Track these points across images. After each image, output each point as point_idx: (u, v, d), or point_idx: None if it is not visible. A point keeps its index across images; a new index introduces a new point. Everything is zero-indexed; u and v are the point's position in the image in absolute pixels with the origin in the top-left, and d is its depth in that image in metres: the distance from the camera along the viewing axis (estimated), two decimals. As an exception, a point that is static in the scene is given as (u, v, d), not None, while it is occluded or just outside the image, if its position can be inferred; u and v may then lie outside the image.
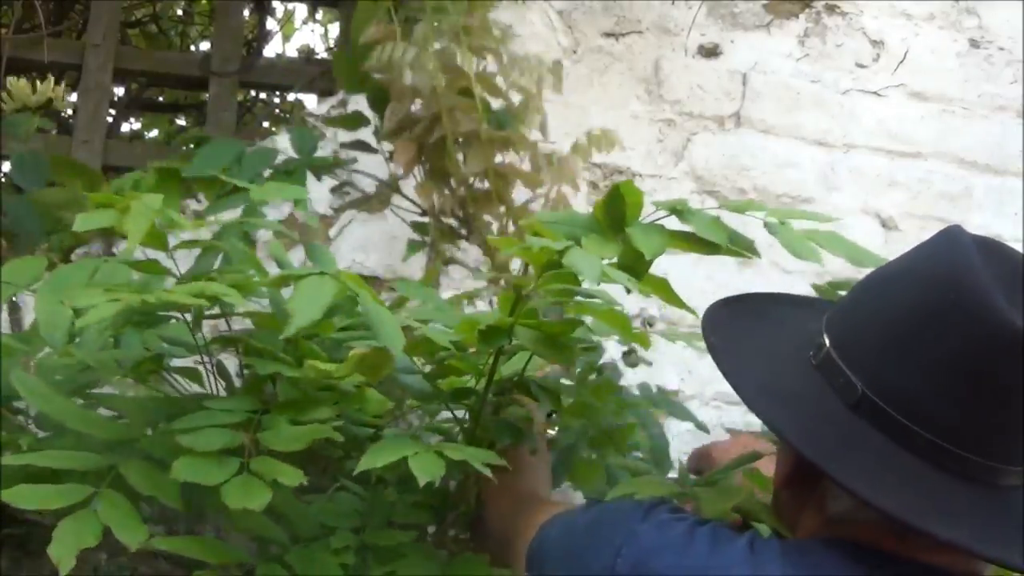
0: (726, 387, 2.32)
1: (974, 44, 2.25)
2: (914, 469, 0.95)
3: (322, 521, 1.28)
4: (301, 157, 1.81)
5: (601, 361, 1.63)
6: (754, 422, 2.01)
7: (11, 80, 1.76)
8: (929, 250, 0.99)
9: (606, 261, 1.16)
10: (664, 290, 1.26)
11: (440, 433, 1.46)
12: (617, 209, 1.22)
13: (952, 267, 0.94)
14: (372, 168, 2.04)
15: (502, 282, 1.68)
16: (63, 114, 2.60)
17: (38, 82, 1.82)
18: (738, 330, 1.11)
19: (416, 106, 1.69)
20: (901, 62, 2.22)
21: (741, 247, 1.25)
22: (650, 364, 1.77)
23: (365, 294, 1.15)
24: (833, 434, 0.98)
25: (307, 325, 1.09)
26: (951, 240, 0.97)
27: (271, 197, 1.45)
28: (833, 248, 1.24)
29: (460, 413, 1.39)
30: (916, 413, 0.95)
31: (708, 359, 2.22)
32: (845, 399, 0.98)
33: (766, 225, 1.25)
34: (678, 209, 1.23)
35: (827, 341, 1.02)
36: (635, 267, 1.20)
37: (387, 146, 1.81)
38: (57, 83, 1.93)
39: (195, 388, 1.36)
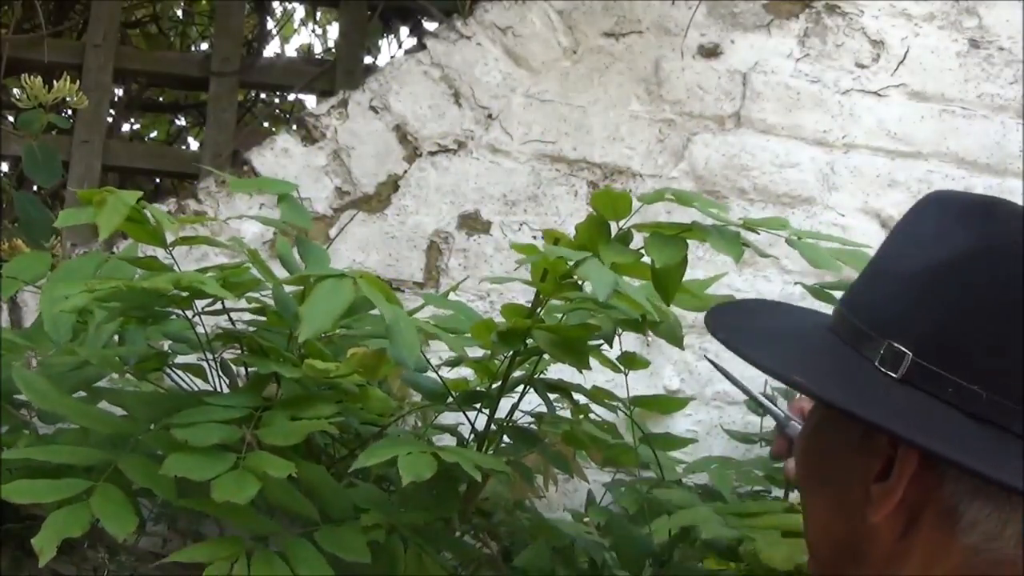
0: (726, 387, 2.31)
1: (974, 44, 2.25)
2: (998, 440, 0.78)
3: (355, 502, 1.25)
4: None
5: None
6: (754, 422, 2.01)
7: (26, 78, 1.76)
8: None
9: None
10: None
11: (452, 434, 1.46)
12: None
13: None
14: (368, 168, 2.04)
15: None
16: (63, 113, 2.59)
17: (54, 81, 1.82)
18: (743, 321, 0.97)
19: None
20: (901, 62, 2.23)
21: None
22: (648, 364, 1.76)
23: (382, 300, 1.13)
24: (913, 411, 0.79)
25: (315, 335, 1.08)
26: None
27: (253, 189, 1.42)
28: (857, 265, 1.24)
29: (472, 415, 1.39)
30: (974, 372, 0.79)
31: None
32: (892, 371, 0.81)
33: (788, 242, 1.27)
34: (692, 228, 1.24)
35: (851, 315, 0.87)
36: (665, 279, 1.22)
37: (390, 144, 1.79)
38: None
39: (202, 385, 1.36)
